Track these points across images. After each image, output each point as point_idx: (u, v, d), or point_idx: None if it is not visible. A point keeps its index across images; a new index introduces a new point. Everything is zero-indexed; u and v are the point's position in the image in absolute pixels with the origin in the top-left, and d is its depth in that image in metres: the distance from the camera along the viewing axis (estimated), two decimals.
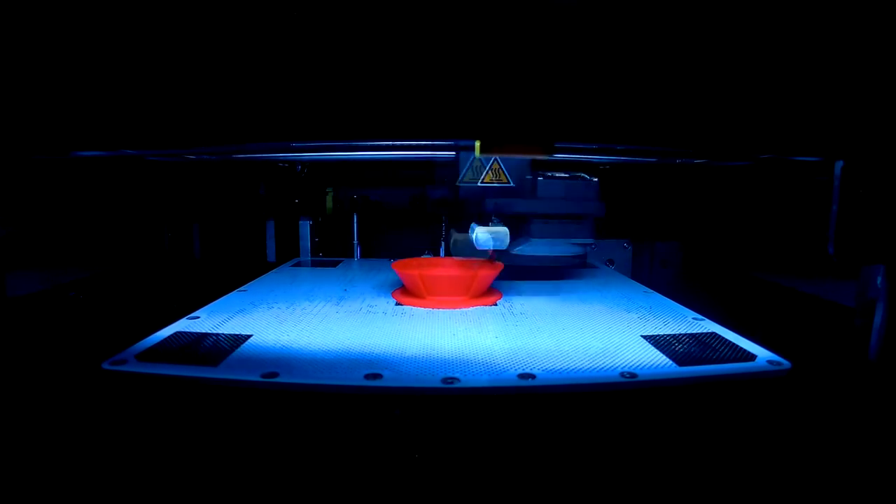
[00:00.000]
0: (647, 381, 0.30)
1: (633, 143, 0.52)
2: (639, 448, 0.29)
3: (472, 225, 0.52)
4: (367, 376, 0.30)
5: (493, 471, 0.27)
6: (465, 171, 0.54)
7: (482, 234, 0.50)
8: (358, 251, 0.74)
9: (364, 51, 0.35)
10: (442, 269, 0.54)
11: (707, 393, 0.31)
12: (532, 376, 0.30)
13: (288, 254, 0.75)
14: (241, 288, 0.53)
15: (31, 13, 0.34)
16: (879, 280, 0.39)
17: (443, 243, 0.73)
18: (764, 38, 0.35)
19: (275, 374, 0.31)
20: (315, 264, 0.68)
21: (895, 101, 0.35)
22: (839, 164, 0.39)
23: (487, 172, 0.54)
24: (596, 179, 0.52)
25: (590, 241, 0.52)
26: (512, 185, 0.54)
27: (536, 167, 0.55)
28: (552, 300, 0.49)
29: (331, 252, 0.76)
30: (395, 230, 0.76)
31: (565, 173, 0.53)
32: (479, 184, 0.54)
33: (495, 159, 0.54)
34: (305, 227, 0.74)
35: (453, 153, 0.56)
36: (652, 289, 0.54)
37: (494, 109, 0.38)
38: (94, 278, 0.64)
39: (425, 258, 0.60)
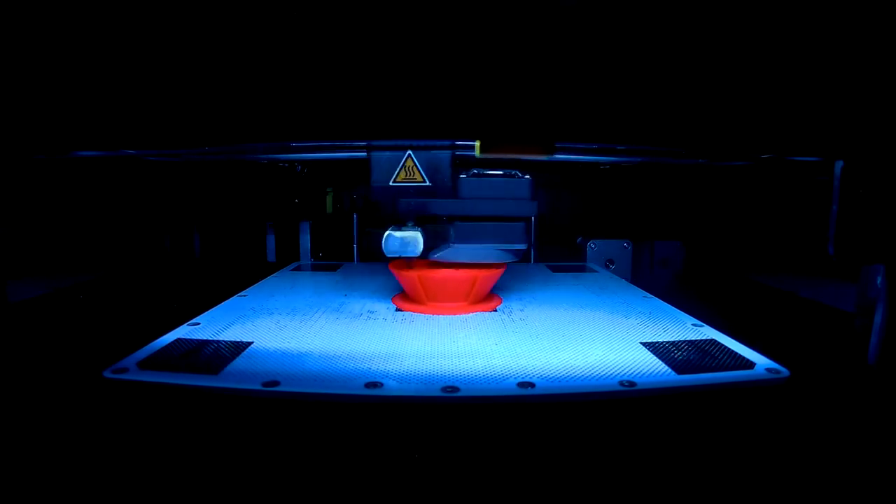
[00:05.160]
0: (646, 389, 0.30)
1: (633, 143, 0.52)
2: (638, 456, 0.29)
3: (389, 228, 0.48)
4: (368, 385, 0.31)
5: (493, 479, 0.28)
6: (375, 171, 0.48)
7: (392, 239, 0.46)
8: (358, 254, 0.74)
9: (364, 51, 0.35)
10: (442, 271, 0.54)
11: (705, 401, 0.31)
12: (531, 385, 0.31)
13: (288, 254, 0.75)
14: (242, 293, 0.53)
15: (32, 13, 0.34)
16: (879, 280, 0.39)
17: (355, 246, 0.73)
18: (764, 38, 0.35)
19: (275, 383, 0.31)
20: (315, 268, 0.68)
21: (895, 101, 0.35)
22: (839, 164, 0.39)
23: (400, 171, 0.48)
24: (528, 177, 0.47)
25: (522, 246, 0.46)
26: (428, 184, 0.48)
27: (466, 166, 0.50)
28: (552, 305, 0.49)
29: (331, 252, 0.76)
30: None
31: (499, 171, 0.48)
32: (391, 183, 0.48)
33: (409, 155, 0.48)
34: (305, 229, 0.74)
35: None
36: (652, 290, 0.54)
37: (494, 110, 0.38)
38: (95, 281, 0.64)
39: (423, 259, 0.59)
